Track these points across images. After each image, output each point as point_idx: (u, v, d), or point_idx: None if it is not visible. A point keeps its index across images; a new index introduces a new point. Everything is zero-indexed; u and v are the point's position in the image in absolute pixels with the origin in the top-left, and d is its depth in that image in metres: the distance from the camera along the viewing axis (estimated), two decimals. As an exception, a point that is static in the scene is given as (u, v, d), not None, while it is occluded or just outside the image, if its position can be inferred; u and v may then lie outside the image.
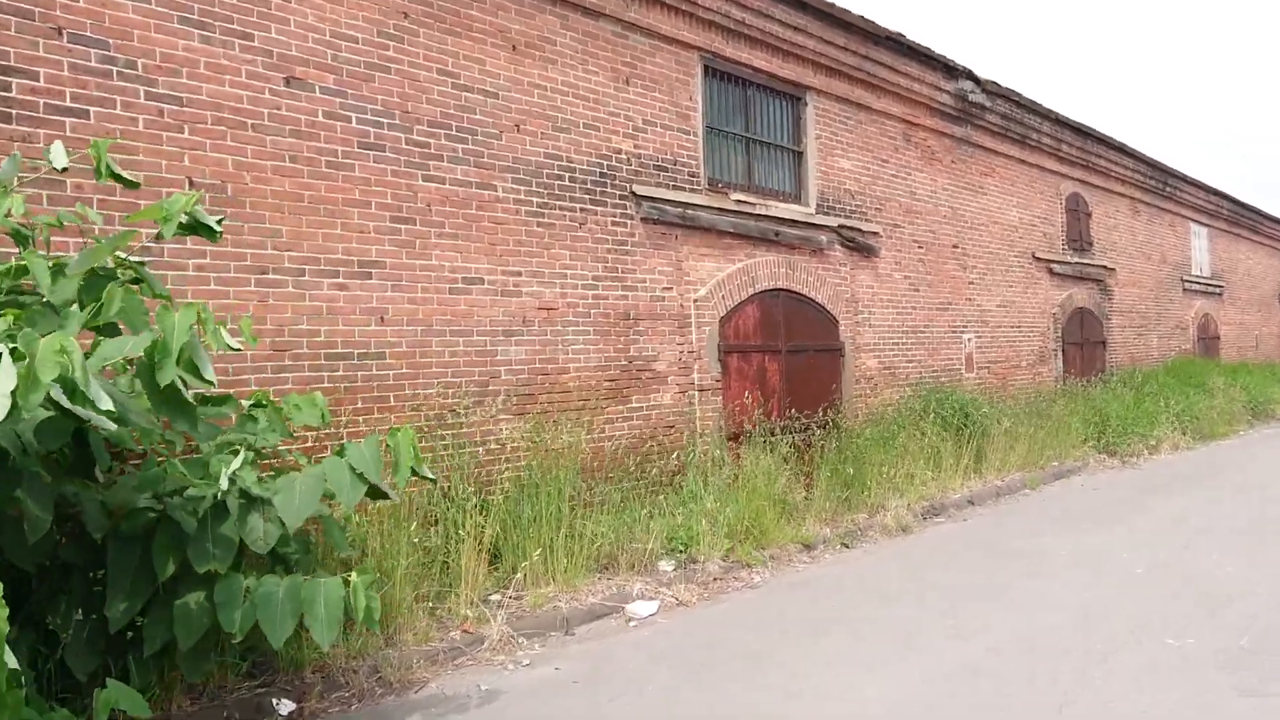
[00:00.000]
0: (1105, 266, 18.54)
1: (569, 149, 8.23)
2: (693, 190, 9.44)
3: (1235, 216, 26.41)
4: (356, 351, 6.65)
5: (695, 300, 9.39)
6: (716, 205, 9.64)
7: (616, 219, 8.62)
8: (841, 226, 11.42)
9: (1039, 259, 16.18)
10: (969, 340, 14.08)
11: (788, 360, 10.48)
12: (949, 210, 13.72)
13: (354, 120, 6.69)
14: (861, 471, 10.11)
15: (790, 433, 9.95)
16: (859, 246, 11.71)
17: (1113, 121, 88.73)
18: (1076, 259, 17.44)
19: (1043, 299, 16.27)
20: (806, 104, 11.09)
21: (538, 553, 6.76)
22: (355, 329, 6.65)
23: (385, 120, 6.87)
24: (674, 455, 8.84)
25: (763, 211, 10.22)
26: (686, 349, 9.28)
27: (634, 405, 8.72)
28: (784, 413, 10.26)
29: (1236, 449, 15.85)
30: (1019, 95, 14.83)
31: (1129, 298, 19.69)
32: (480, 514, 6.59)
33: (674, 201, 9.16)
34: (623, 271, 8.67)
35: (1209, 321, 24.37)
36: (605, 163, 8.55)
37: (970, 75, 13.58)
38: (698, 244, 9.47)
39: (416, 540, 6.12)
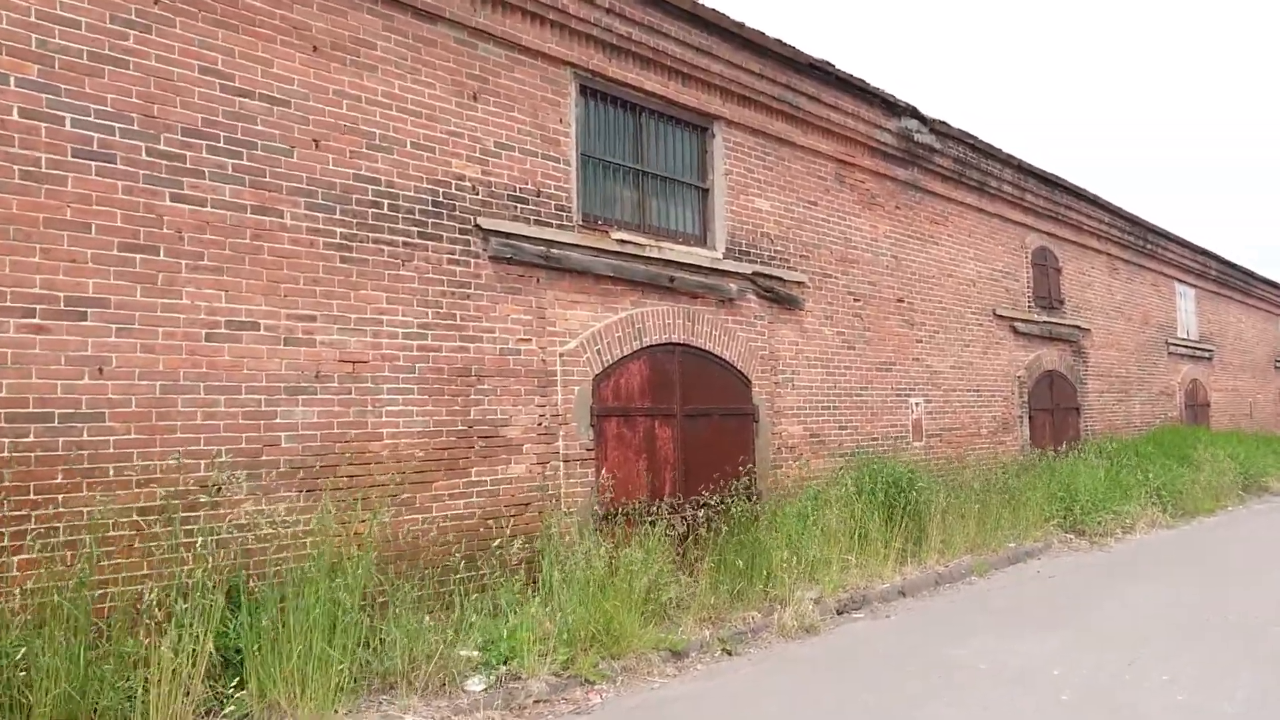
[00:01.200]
0: (1079, 326, 17.16)
1: (390, 172, 6.89)
2: (562, 226, 8.09)
3: (1224, 277, 25.12)
4: (58, 412, 5.21)
5: (562, 354, 7.98)
6: (593, 245, 8.28)
7: (455, 256, 7.25)
8: (757, 274, 10.05)
9: (1001, 317, 14.80)
10: (917, 405, 12.63)
11: (685, 426, 9.03)
12: (892, 260, 12.37)
13: (68, 123, 5.35)
14: (762, 558, 8.60)
15: (686, 510, 8.48)
16: (779, 298, 10.33)
17: (1123, 185, 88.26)
18: (1045, 318, 16.05)
19: (1006, 361, 14.85)
20: (714, 135, 9.81)
21: (288, 668, 5.25)
22: (58, 383, 5.23)
23: (117, 125, 5.53)
24: (525, 540, 7.34)
25: (655, 254, 8.86)
26: (549, 412, 7.84)
27: (474, 479, 7.26)
28: (680, 487, 8.81)
29: (1220, 528, 14.27)
30: (974, 138, 13.60)
31: (1106, 360, 18.27)
32: (206, 622, 5.09)
33: (535, 239, 7.80)
34: (462, 319, 7.27)
35: (1197, 387, 22.91)
36: (441, 190, 7.21)
37: (915, 113, 12.34)
38: (567, 289, 8.09)
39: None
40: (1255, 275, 27.39)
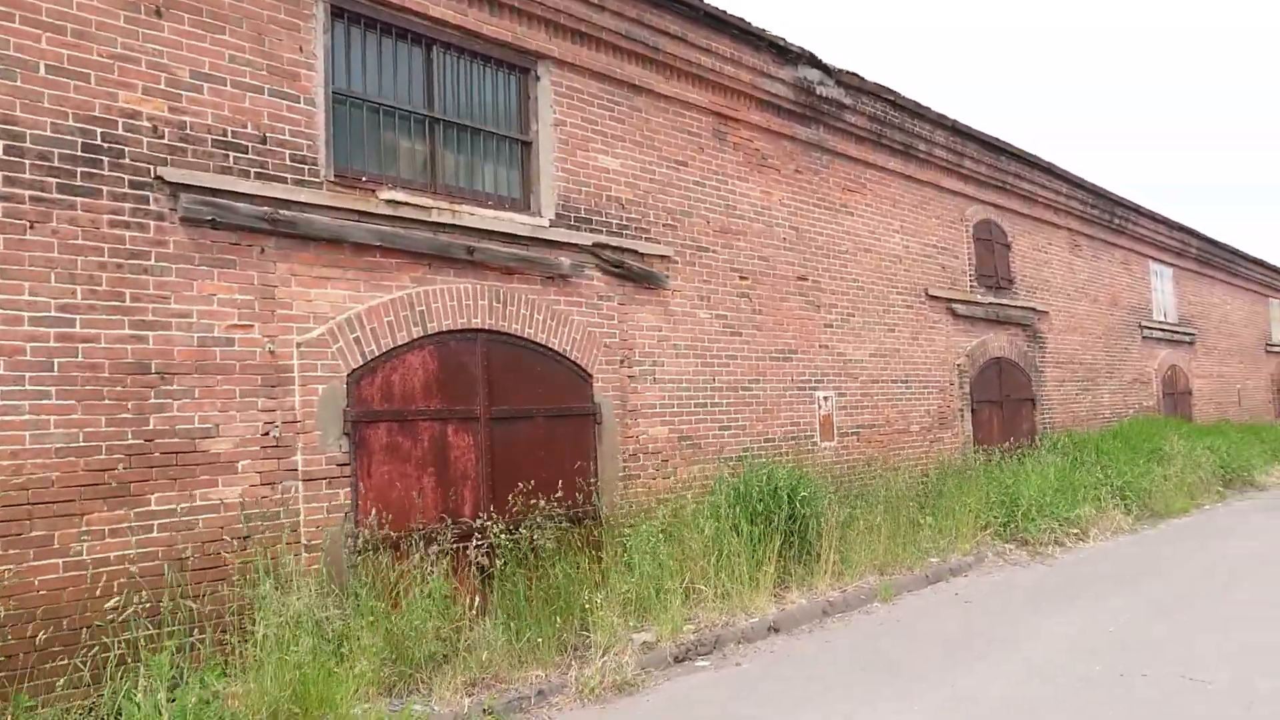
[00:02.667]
0: (1033, 308, 15.39)
1: (9, 104, 5.16)
2: (301, 183, 6.37)
3: (1206, 256, 23.33)
4: None
5: (302, 345, 6.25)
6: (351, 207, 6.56)
7: (123, 218, 5.53)
8: (601, 246, 8.32)
9: (936, 298, 13.04)
10: (825, 399, 10.88)
11: (494, 431, 7.31)
12: (791, 232, 10.62)
13: None
14: (582, 594, 6.89)
15: (494, 536, 6.79)
16: (634, 274, 8.60)
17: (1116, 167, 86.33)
18: (991, 299, 14.29)
19: (943, 347, 13.10)
20: (539, 78, 8.08)
21: None
22: None
23: None
24: (235, 586, 5.63)
25: (448, 219, 7.12)
26: (280, 419, 6.11)
27: (155, 509, 5.53)
28: (486, 507, 7.10)
29: (1188, 532, 12.50)
30: (893, 94, 11.85)
31: (1068, 346, 16.50)
32: None
33: (257, 197, 6.08)
34: (136, 300, 5.55)
35: (1177, 374, 21.12)
36: (100, 130, 5.49)
37: (814, 61, 10.60)
38: (311, 261, 6.36)
39: None
40: (1241, 253, 25.60)
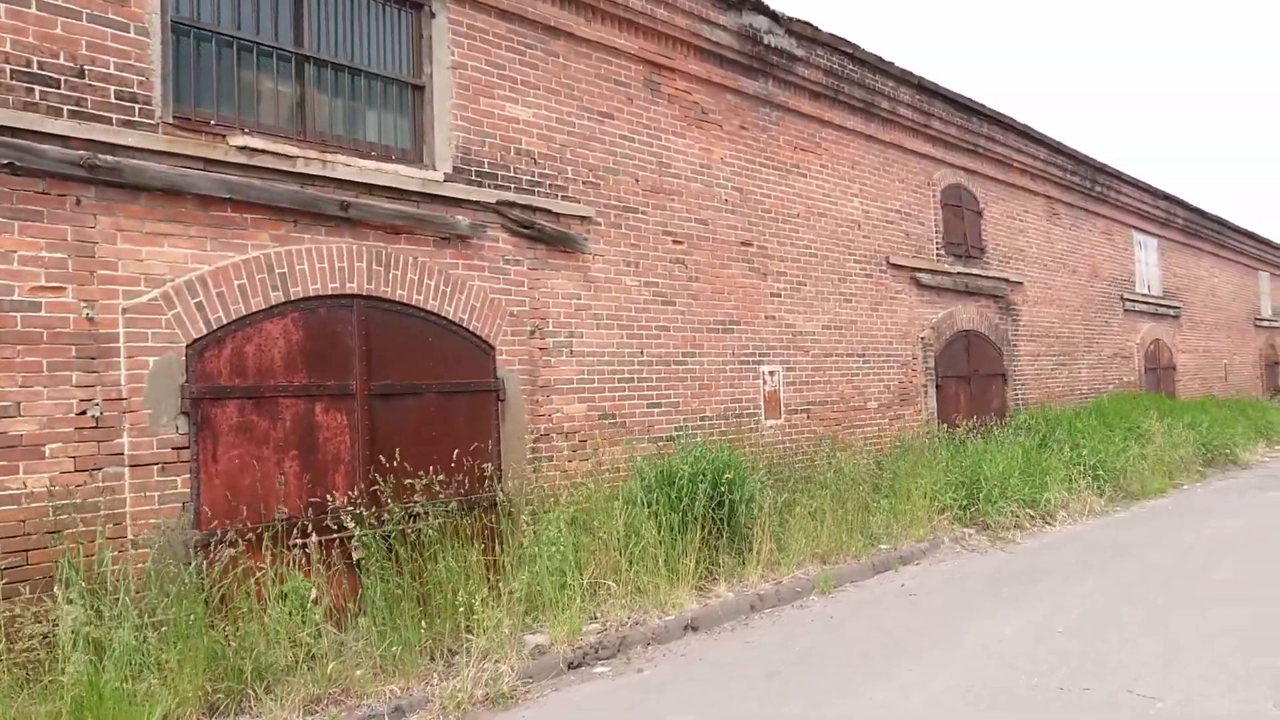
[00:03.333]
0: (1005, 279, 14.59)
1: None
2: (130, 124, 5.53)
3: (1193, 226, 22.52)
4: None
5: (129, 311, 5.43)
6: (194, 154, 5.71)
7: (-109, 159, 4.68)
8: (508, 204, 7.50)
9: (898, 266, 12.24)
10: (772, 374, 10.10)
11: (375, 410, 6.51)
12: (735, 194, 9.80)
13: None
14: (469, 590, 6.13)
15: (377, 525, 6.02)
16: (547, 236, 7.78)
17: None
18: (960, 269, 13.49)
19: (905, 319, 12.31)
20: (434, 14, 7.22)
21: None
22: None
23: None
24: (32, 590, 4.85)
25: (316, 170, 6.29)
26: (100, 395, 5.30)
27: (-66, 500, 4.72)
28: (364, 495, 6.31)
29: (1166, 514, 11.78)
30: (852, 46, 10.99)
31: (1044, 318, 15.72)
32: None
33: (71, 139, 5.24)
34: (-92, 255, 4.71)
35: (1160, 349, 20.37)
36: None
37: (761, 7, 9.73)
38: (143, 215, 5.53)
39: None
40: (1229, 224, 24.81)
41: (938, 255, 13.09)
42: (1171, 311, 21.09)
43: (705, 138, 9.49)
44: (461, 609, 6.10)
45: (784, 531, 8.61)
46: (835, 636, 6.65)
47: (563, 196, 8.00)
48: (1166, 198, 20.86)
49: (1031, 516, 11.15)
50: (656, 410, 8.71)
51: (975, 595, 7.76)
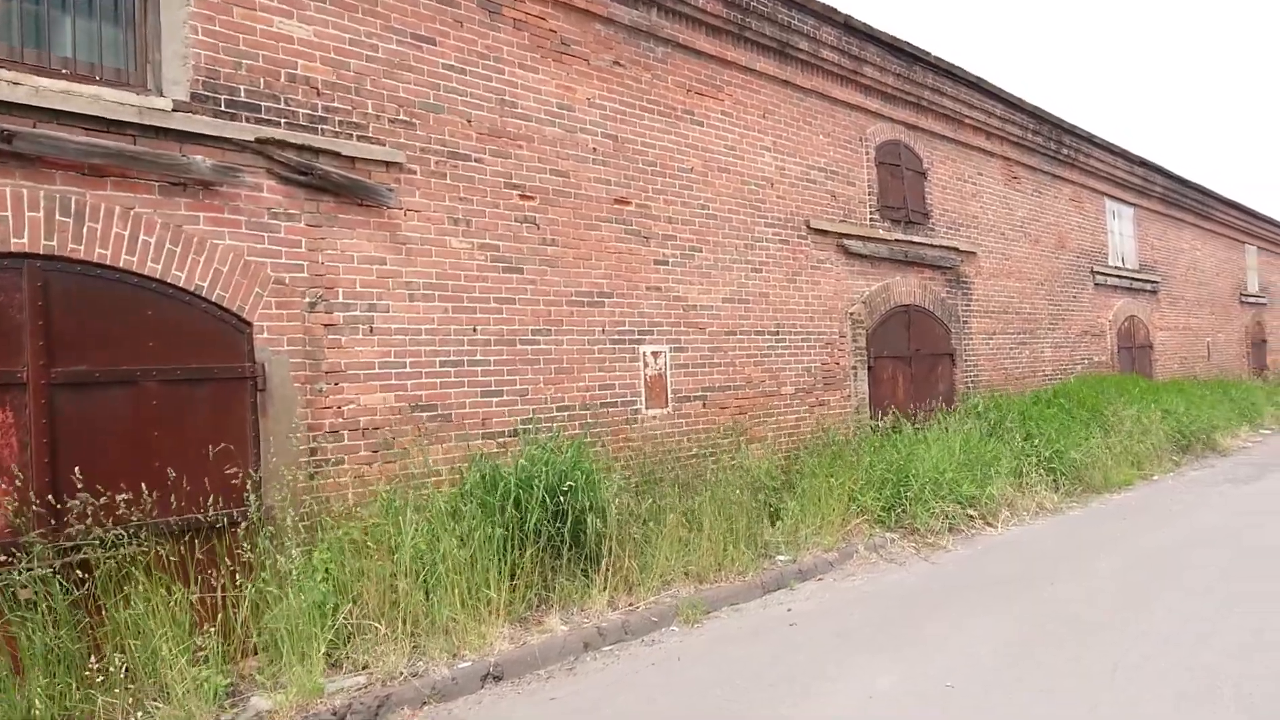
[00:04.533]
0: (955, 248, 13.06)
1: None
2: None
3: (1173, 196, 20.98)
4: None
5: None
6: None
7: None
8: (273, 144, 5.94)
9: (821, 232, 10.70)
10: (656, 355, 8.57)
11: (59, 404, 4.98)
12: (606, 142, 8.25)
13: None
14: (162, 641, 4.62)
15: (41, 559, 4.52)
16: (335, 185, 6.22)
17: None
18: (900, 236, 11.95)
19: (831, 291, 10.78)
20: (161, -103, 5.62)
21: None
22: None
23: None
24: None
25: (-36, 89, 4.72)
26: None
27: None
28: (50, 514, 4.78)
29: (1126, 512, 10.31)
30: (759, -27, 9.40)
31: (1001, 293, 14.20)
32: None
33: None
34: None
35: (1136, 326, 18.87)
36: None
37: (635, -82, 8.14)
38: None
39: None
40: (1214, 194, 23.28)
41: (871, 220, 11.54)
42: (1148, 286, 19.57)
43: (566, 74, 7.93)
44: (150, 665, 4.58)
45: (650, 546, 7.10)
46: (665, 691, 5.15)
47: (360, 137, 6.45)
48: (1144, 164, 19.32)
49: (971, 517, 9.69)
50: (496, 400, 7.18)
51: (868, 626, 6.27)
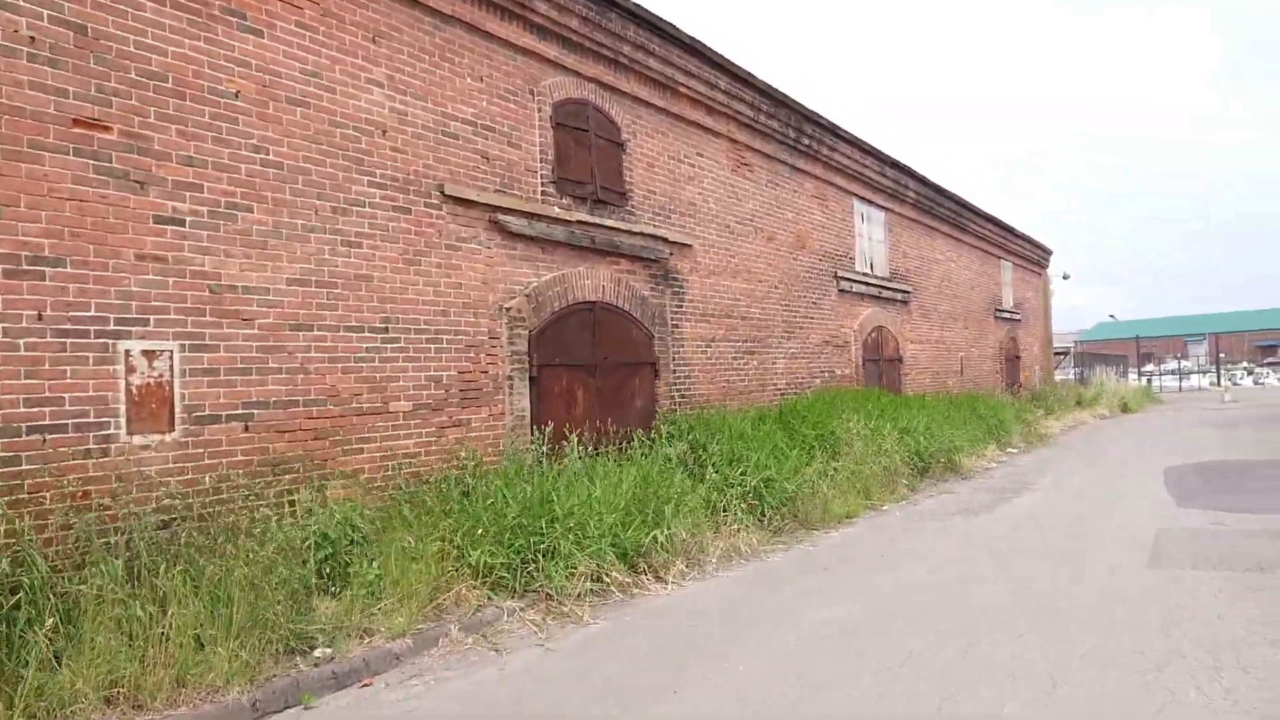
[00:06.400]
0: (663, 238, 10.95)
1: None
2: None
3: (927, 203, 20.06)
4: None
5: None
6: None
7: None
8: None
9: (464, 202, 8.23)
10: (152, 357, 5.80)
11: None
12: (61, 31, 5.42)
13: None
14: None
15: None
16: None
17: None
18: (583, 217, 9.67)
19: (478, 280, 8.33)
20: None
21: None
22: None
23: None
24: None
25: None
26: None
27: None
28: None
29: (835, 558, 8.41)
30: None
31: (722, 294, 12.24)
32: None
33: None
34: None
35: (885, 338, 17.60)
36: None
37: None
38: None
39: None
40: (970, 205, 22.77)
41: (544, 194, 9.19)
42: (899, 296, 18.42)
43: (-25, -84, 5.04)
44: None
45: (81, 653, 4.34)
46: None
47: None
48: (896, 165, 18.18)
49: (637, 571, 7.45)
50: None
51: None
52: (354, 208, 7.20)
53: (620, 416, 9.89)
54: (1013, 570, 7.48)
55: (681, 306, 11.34)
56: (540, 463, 8.58)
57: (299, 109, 6.83)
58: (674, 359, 11.07)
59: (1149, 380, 45.58)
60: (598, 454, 8.80)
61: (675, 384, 11.06)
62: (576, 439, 8.88)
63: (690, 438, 10.11)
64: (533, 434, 8.73)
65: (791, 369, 13.96)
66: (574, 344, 9.42)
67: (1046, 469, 14.74)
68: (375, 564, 6.31)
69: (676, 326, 11.20)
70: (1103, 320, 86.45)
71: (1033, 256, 29.86)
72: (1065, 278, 35.48)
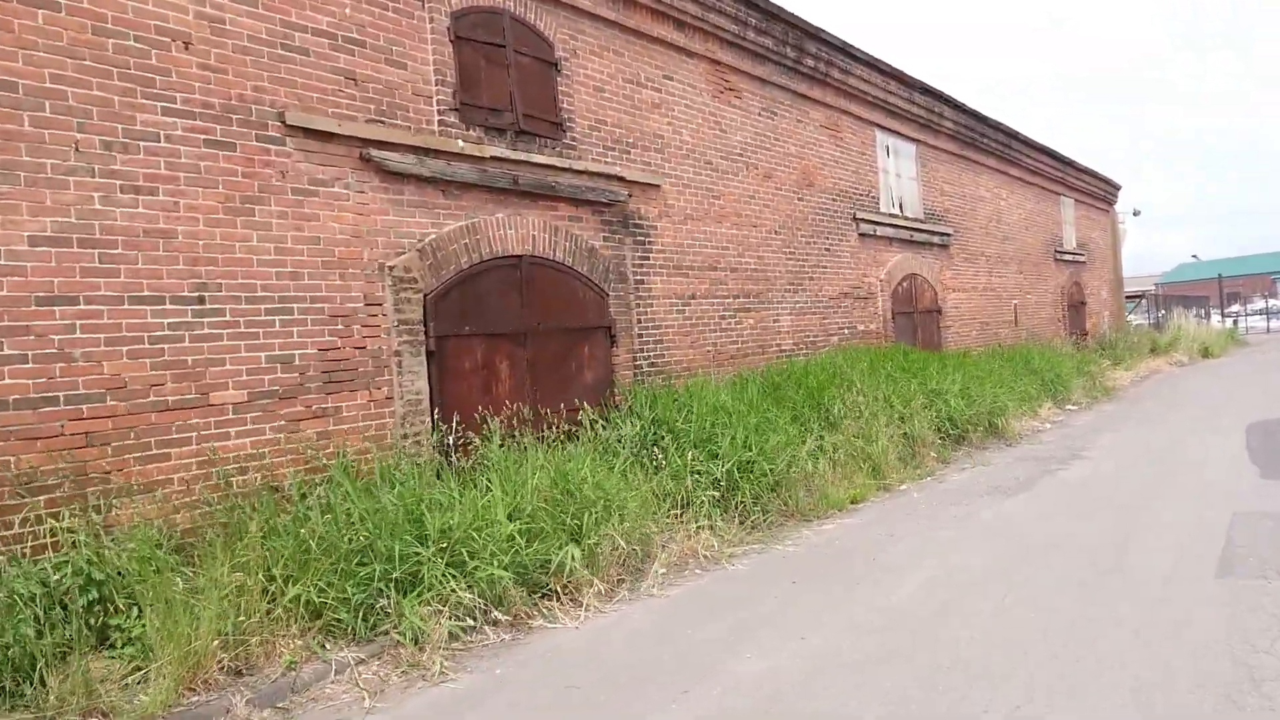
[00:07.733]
0: (618, 177, 9.08)
1: None
2: None
3: (969, 135, 17.74)
4: None
5: None
6: None
7: None
8: None
9: (319, 134, 6.48)
10: None
11: None
12: None
13: None
14: None
15: None
16: None
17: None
18: (502, 152, 7.85)
19: (346, 233, 6.62)
20: None
21: None
22: None
23: None
24: None
25: None
26: None
27: None
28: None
29: (815, 564, 6.59)
30: None
31: (703, 241, 10.33)
32: None
33: None
34: None
35: (919, 286, 15.45)
36: None
37: None
38: None
39: None
40: (1022, 137, 20.34)
41: (442, 125, 7.39)
42: (936, 239, 16.21)
43: None
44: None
45: None
46: None
47: None
48: (927, 91, 15.92)
49: (548, 596, 5.72)
50: None
51: None
52: (140, 142, 5.50)
53: (563, 394, 8.12)
54: (1026, 588, 5.56)
55: (648, 258, 9.47)
56: (448, 457, 6.88)
57: (41, 11, 5.12)
58: (638, 321, 9.22)
59: (1234, 322, 42.04)
60: (534, 442, 7.04)
61: (641, 351, 9.22)
62: (499, 425, 7.13)
63: (652, 414, 8.29)
64: (436, 422, 6.99)
65: (800, 327, 12.00)
66: (493, 308, 7.64)
67: (1105, 429, 12.58)
68: (149, 611, 4.66)
69: (641, 282, 9.34)
70: (1184, 262, 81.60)
71: (1098, 192, 27.08)
72: (1136, 213, 32.50)
